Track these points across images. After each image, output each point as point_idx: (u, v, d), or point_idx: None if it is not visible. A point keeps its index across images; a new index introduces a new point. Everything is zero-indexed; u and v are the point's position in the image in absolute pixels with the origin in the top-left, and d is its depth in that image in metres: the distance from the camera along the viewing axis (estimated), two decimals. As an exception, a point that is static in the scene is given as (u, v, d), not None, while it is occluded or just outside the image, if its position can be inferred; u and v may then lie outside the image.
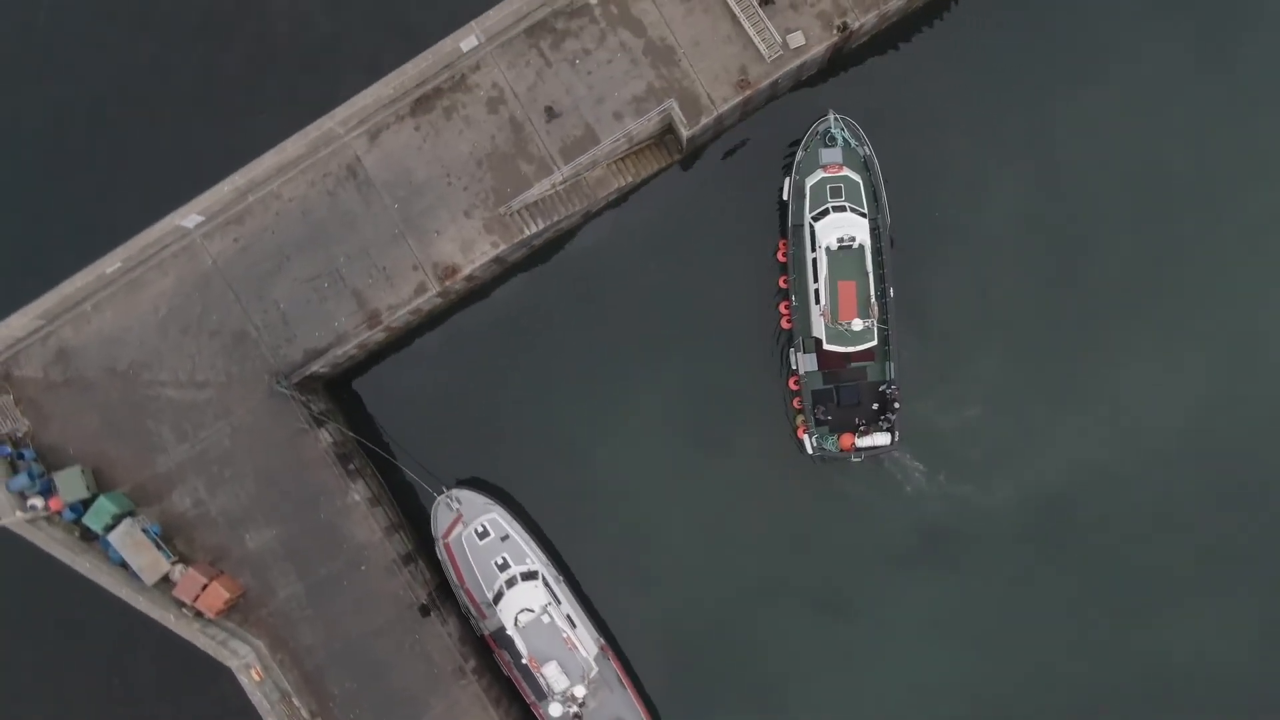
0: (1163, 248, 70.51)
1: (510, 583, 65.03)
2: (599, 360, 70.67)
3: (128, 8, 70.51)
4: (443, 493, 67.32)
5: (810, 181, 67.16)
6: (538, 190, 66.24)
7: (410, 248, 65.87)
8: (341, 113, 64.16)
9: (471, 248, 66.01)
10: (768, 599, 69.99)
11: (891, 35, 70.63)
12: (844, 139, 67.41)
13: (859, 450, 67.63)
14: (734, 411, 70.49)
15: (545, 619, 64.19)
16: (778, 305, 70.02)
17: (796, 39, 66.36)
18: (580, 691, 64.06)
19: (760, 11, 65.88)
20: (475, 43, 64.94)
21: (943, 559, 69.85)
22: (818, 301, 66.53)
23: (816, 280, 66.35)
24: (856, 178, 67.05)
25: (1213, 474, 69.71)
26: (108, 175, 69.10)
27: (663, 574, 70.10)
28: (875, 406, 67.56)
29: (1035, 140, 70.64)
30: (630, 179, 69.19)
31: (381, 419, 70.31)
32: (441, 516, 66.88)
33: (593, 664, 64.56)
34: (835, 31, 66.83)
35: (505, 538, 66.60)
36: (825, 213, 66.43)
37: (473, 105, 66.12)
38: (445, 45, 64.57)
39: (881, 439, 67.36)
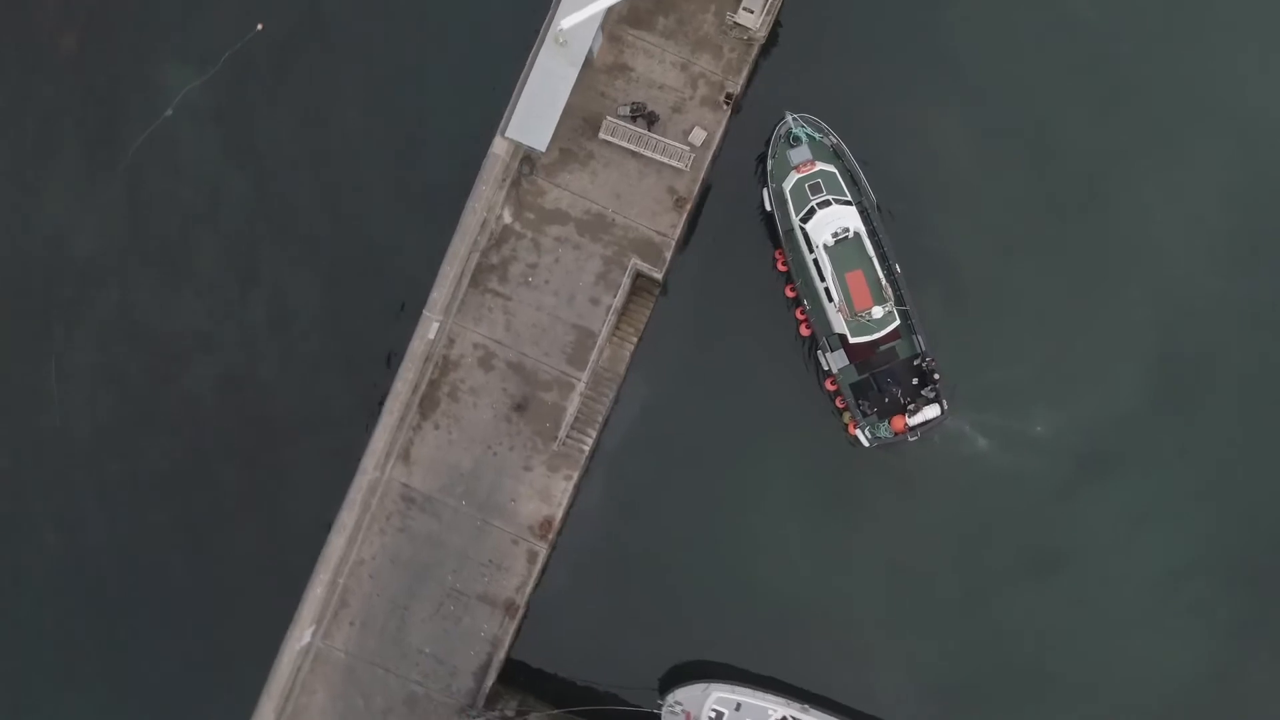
0: (1132, 114, 70.60)
1: None
2: (703, 492, 70.75)
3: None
4: (661, 705, 67.55)
5: (787, 186, 66.88)
6: (572, 407, 66.21)
7: (499, 529, 65.91)
8: (368, 461, 64.19)
9: (549, 494, 66.14)
10: (963, 608, 70.45)
11: (790, 31, 69.89)
12: (807, 135, 67.10)
13: (913, 429, 67.80)
14: (792, 446, 70.73)
15: None
16: (794, 313, 69.80)
17: (697, 135, 66.21)
18: None
19: (652, 135, 65.53)
20: (436, 325, 64.60)
21: (1036, 506, 70.17)
22: (831, 299, 66.47)
23: (823, 279, 66.22)
24: (831, 168, 66.81)
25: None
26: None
27: (875, 640, 70.68)
28: (915, 382, 67.69)
29: (965, 65, 70.75)
30: (635, 337, 69.06)
31: (564, 674, 70.41)
32: None
33: None
34: (725, 104, 66.53)
35: (739, 706, 66.98)
36: (811, 212, 66.14)
37: (470, 375, 66.03)
38: (415, 346, 64.51)
39: (931, 411, 67.56)
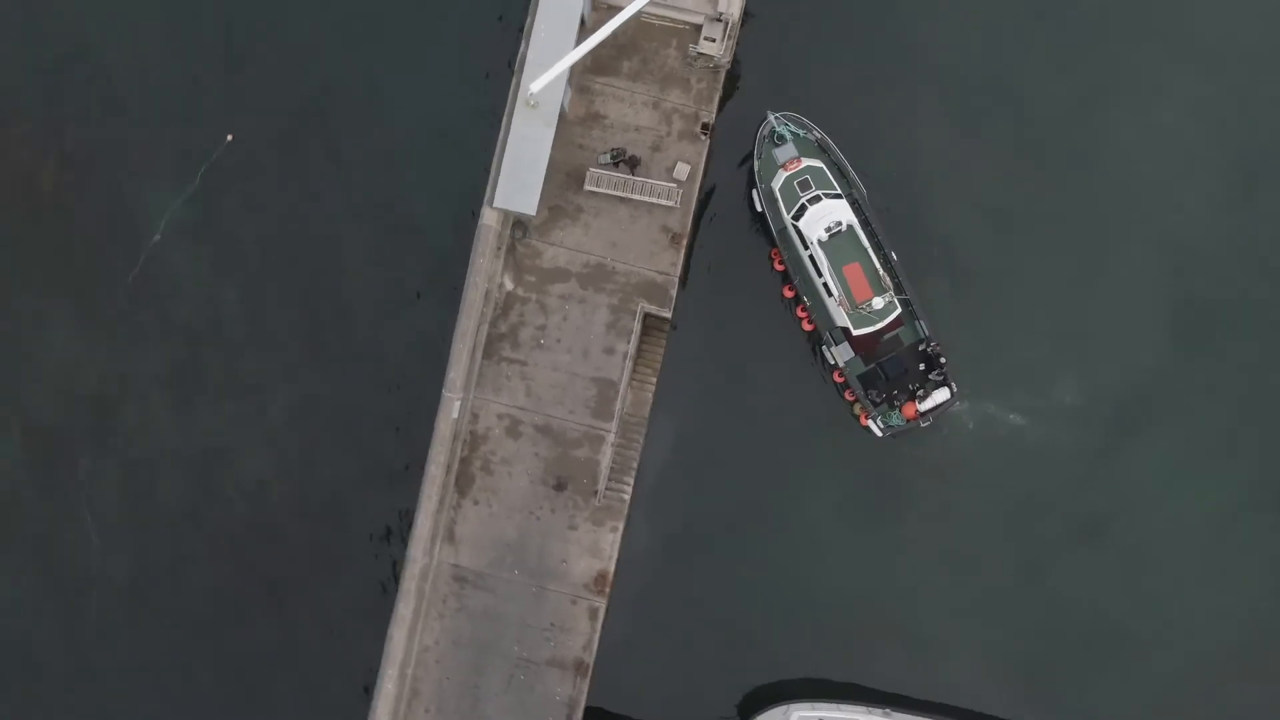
0: (1098, 59, 71.00)
1: None
2: (744, 513, 71.09)
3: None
4: None
5: (776, 185, 67.02)
6: (605, 459, 66.35)
7: (556, 592, 66.11)
8: (415, 550, 64.48)
9: (599, 548, 66.27)
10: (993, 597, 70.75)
11: (754, 34, 69.92)
12: (790, 132, 67.20)
13: (925, 414, 68.02)
14: (823, 452, 71.04)
15: None
16: (795, 311, 69.99)
17: (681, 170, 66.34)
18: None
19: (636, 178, 65.65)
20: (458, 403, 64.73)
21: (1075, 472, 70.47)
22: (830, 294, 66.58)
23: (821, 275, 66.33)
24: (817, 163, 66.90)
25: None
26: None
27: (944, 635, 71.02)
28: (922, 367, 67.87)
29: (928, 43, 71.32)
30: (653, 377, 69.15)
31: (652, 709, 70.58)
32: None
33: None
34: (703, 134, 66.65)
35: None
36: (803, 209, 66.23)
37: (499, 446, 66.17)
38: (441, 428, 64.72)
39: (941, 395, 67.81)
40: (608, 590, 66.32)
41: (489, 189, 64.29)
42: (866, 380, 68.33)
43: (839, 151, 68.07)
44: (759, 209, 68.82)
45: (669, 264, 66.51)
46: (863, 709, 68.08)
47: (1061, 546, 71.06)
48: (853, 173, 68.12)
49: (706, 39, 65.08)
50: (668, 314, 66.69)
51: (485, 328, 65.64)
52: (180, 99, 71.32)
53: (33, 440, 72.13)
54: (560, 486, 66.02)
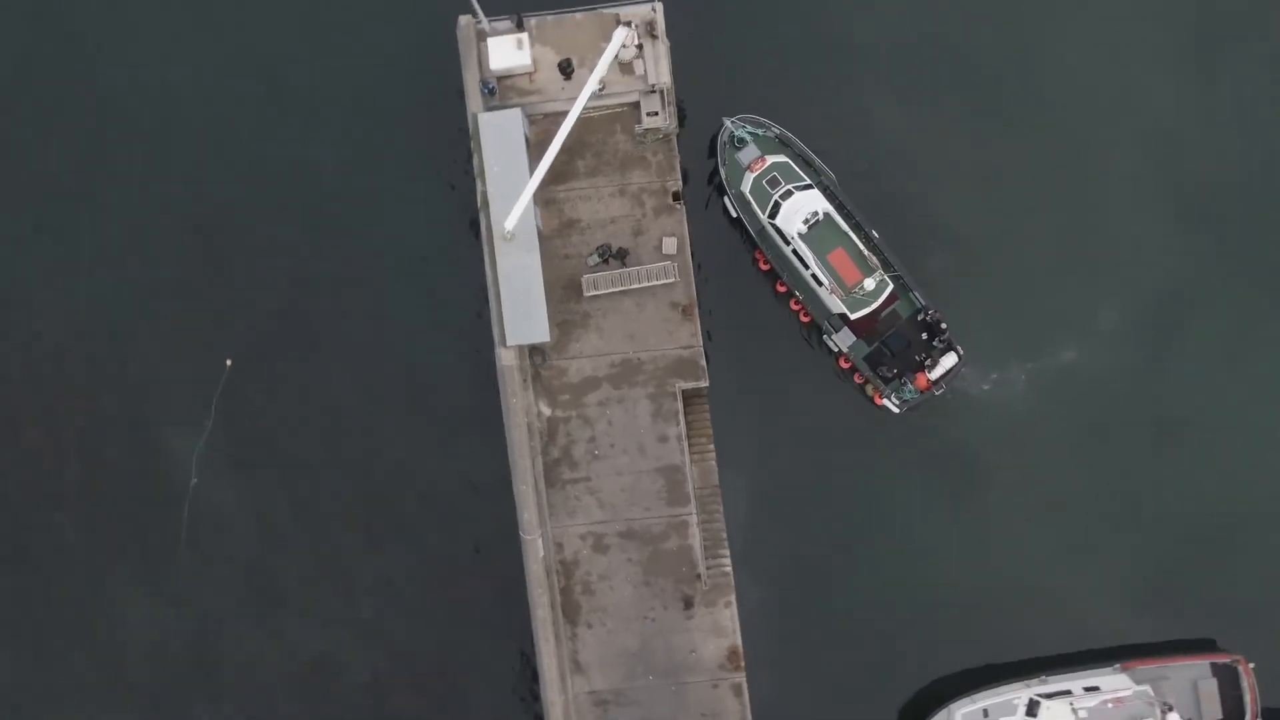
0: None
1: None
2: (839, 538, 71.47)
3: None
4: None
5: (746, 187, 67.41)
6: (696, 541, 66.64)
7: (695, 682, 66.85)
8: (550, 693, 65.05)
9: (721, 627, 66.70)
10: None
11: (686, 50, 69.48)
12: (749, 133, 67.59)
13: (937, 382, 68.31)
14: (883, 453, 71.40)
15: None
16: (789, 305, 70.23)
17: (670, 245, 66.60)
18: None
19: (629, 269, 65.95)
20: (539, 541, 65.01)
21: (1131, 392, 70.86)
22: (821, 284, 66.89)
23: (808, 267, 66.68)
24: (782, 158, 67.39)
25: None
26: None
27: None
28: (925, 336, 68.19)
29: (864, 23, 71.87)
30: (710, 444, 69.34)
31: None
32: None
33: None
34: (675, 203, 66.93)
35: (986, 712, 67.57)
36: (776, 206, 66.59)
37: (592, 564, 66.79)
38: (532, 570, 65.29)
39: (949, 360, 68.20)
40: (742, 663, 66.37)
41: (496, 329, 64.43)
42: (873, 360, 68.65)
43: (800, 143, 68.46)
44: (734, 215, 68.99)
45: (689, 336, 66.69)
46: (1019, 684, 68.33)
47: (1143, 461, 71.36)
48: (818, 160, 68.47)
49: (649, 114, 65.22)
50: (704, 384, 66.75)
51: (539, 459, 65.72)
52: (170, 346, 71.53)
53: (146, 707, 72.06)
54: (689, 604, 66.11)
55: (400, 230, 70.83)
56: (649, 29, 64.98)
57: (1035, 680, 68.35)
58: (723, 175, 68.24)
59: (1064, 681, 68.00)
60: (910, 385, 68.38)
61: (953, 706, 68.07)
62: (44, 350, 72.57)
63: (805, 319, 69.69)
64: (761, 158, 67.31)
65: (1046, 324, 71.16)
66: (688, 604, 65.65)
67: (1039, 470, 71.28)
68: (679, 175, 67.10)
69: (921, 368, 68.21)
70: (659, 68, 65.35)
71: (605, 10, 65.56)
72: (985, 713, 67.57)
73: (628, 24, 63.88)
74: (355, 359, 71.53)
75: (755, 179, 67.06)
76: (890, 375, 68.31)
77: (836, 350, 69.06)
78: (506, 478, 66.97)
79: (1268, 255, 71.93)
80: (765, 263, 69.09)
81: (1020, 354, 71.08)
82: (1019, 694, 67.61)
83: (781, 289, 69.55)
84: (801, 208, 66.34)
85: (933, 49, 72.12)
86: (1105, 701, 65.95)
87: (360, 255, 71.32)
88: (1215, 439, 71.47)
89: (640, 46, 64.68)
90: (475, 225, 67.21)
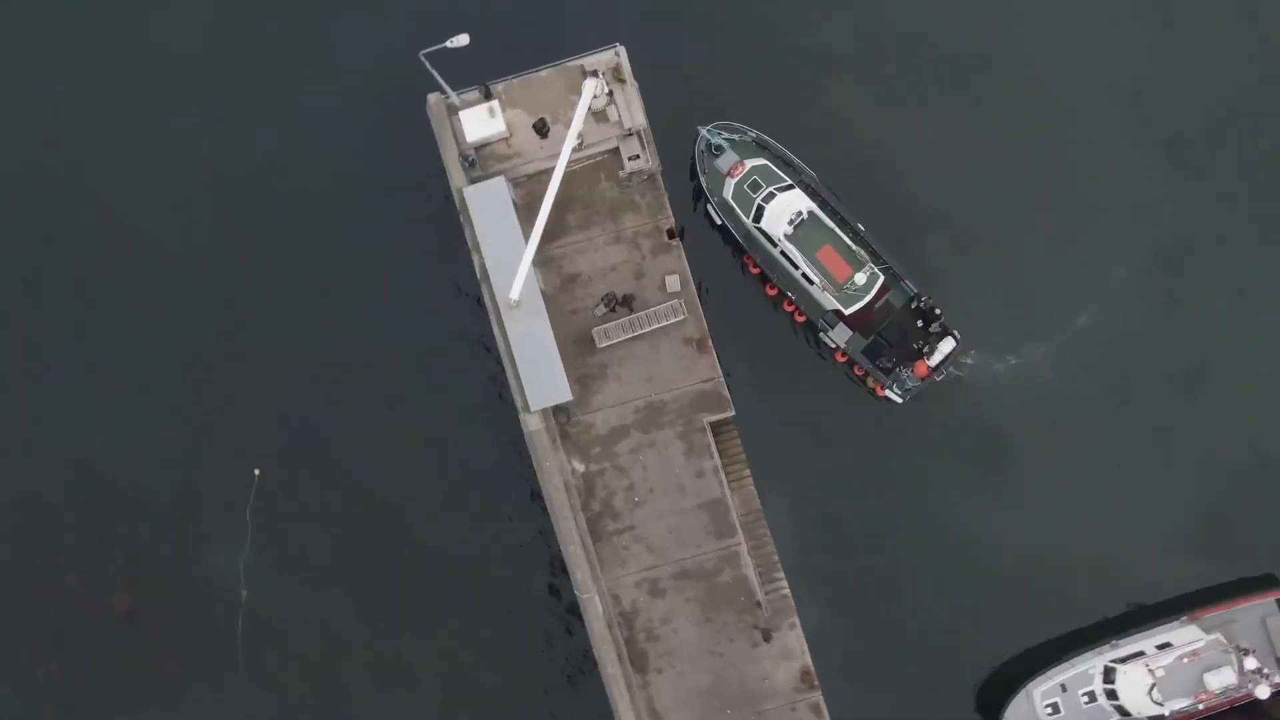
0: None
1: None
2: (891, 538, 71.69)
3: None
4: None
5: (728, 193, 67.54)
6: (750, 569, 66.70)
7: (773, 709, 66.87)
8: (633, 744, 64.41)
9: (790, 650, 66.88)
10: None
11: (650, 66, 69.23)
12: (725, 139, 67.65)
13: (937, 368, 68.44)
14: (862, 437, 71.75)
15: None
16: (783, 306, 70.44)
17: (673, 283, 66.68)
18: None
19: (637, 314, 65.97)
20: (595, 597, 65.07)
21: (1148, 345, 71.27)
22: (812, 282, 66.96)
23: (797, 266, 66.80)
24: (760, 161, 67.51)
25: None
26: None
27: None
28: (920, 323, 68.31)
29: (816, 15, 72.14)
30: (746, 470, 69.44)
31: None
32: None
33: None
34: (671, 240, 67.08)
35: (1064, 686, 67.63)
36: (760, 209, 66.67)
37: (651, 610, 66.89)
38: (594, 627, 65.24)
39: (947, 345, 68.33)
40: (816, 682, 66.47)
41: (517, 396, 64.39)
42: (871, 352, 68.75)
43: (777, 144, 68.51)
44: (719, 222, 69.02)
45: (707, 369, 66.75)
46: (1090, 653, 68.47)
47: (1173, 410, 71.66)
48: (797, 160, 68.53)
49: (630, 158, 65.25)
50: (730, 413, 66.79)
51: (581, 517, 65.75)
52: (195, 466, 71.69)
53: None
54: (767, 638, 66.40)
55: (406, 311, 71.23)
56: (615, 74, 64.94)
57: (1105, 646, 68.44)
58: (703, 184, 68.33)
59: (1135, 643, 68.05)
60: (910, 374, 68.19)
61: (1029, 687, 68.15)
62: (74, 487, 72.70)
63: (800, 319, 69.85)
64: (740, 162, 67.37)
65: (1056, 293, 71.51)
66: (766, 638, 65.60)
67: (1071, 438, 71.55)
68: (670, 212, 67.07)
69: (920, 355, 68.22)
70: (632, 110, 65.37)
71: (569, 63, 65.37)
72: (1063, 688, 67.69)
73: (594, 74, 63.82)
74: (380, 447, 71.70)
75: (736, 184, 67.19)
76: (888, 366, 68.28)
77: (834, 346, 69.26)
78: (553, 538, 66.82)
79: (1257, 185, 72.33)
80: (754, 266, 69.11)
81: (1035, 327, 71.44)
82: (1093, 663, 67.74)
83: (772, 291, 69.66)
84: (785, 209, 66.45)
85: (895, 36, 72.68)
86: (1180, 657, 65.99)
87: (370, 343, 71.62)
88: (1240, 375, 71.87)
89: (610, 93, 64.63)
90: (479, 296, 67.02)
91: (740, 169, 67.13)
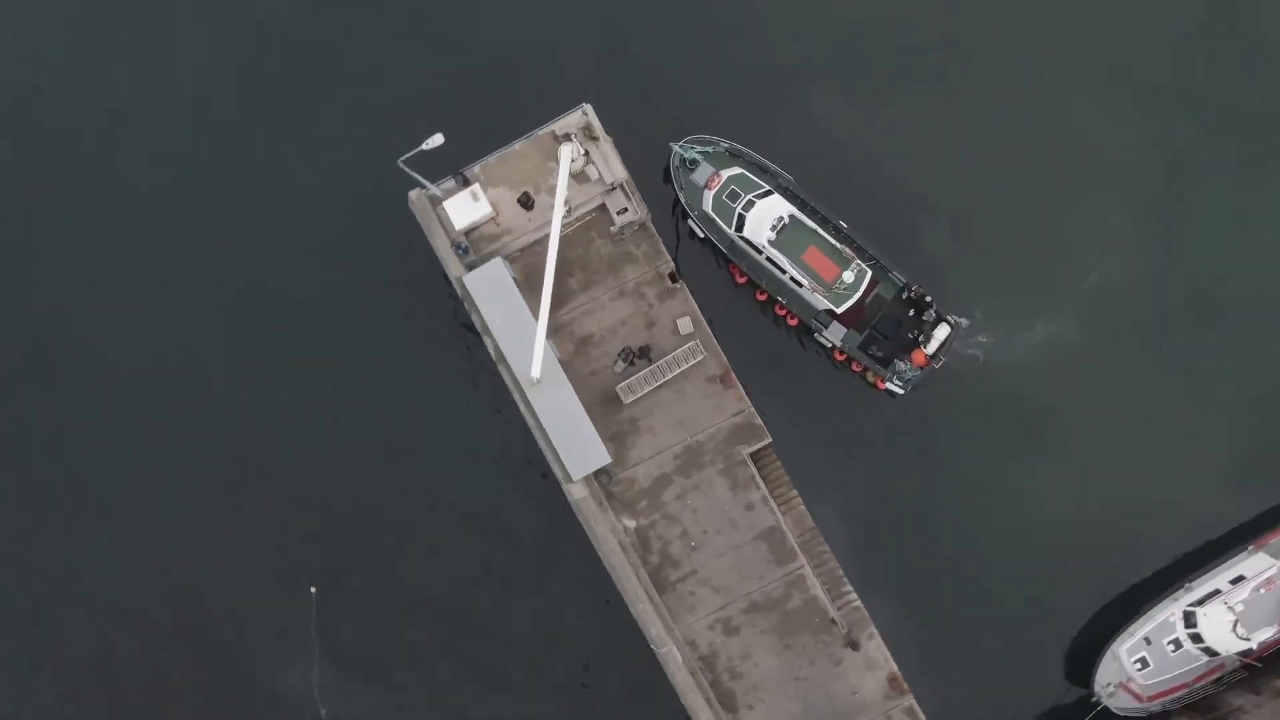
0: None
1: None
2: (943, 527, 71.72)
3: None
4: (1096, 695, 68.31)
5: (707, 206, 67.56)
6: (818, 590, 67.19)
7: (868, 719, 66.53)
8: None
9: (873, 660, 67.23)
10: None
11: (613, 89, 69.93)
12: (699, 153, 67.76)
13: (934, 355, 68.40)
14: (845, 432, 71.64)
15: None
16: (774, 310, 70.39)
17: (685, 325, 66.84)
18: None
19: (656, 363, 66.02)
20: (672, 649, 65.18)
21: (1153, 293, 71.32)
22: (801, 285, 66.99)
23: (785, 271, 66.86)
24: (736, 170, 67.61)
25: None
26: None
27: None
28: (912, 313, 68.24)
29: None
30: (793, 490, 69.53)
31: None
32: None
33: None
34: (674, 283, 67.23)
35: (1147, 639, 67.67)
36: (741, 220, 66.70)
37: (729, 648, 67.21)
38: (678, 679, 65.44)
39: (942, 332, 68.31)
40: (905, 686, 66.59)
41: (556, 468, 64.50)
42: (867, 345, 68.73)
43: (751, 152, 68.57)
44: (700, 235, 69.05)
45: (736, 401, 66.88)
46: (1166, 601, 68.59)
47: (1198, 344, 71.61)
48: (772, 165, 68.55)
49: (619, 212, 65.28)
50: (767, 440, 66.90)
51: (642, 572, 65.82)
52: (251, 593, 71.72)
53: None
54: (854, 645, 66.67)
55: (429, 403, 71.37)
56: (588, 132, 64.96)
57: (1179, 590, 68.53)
58: (682, 200, 68.36)
59: (1208, 581, 68.11)
60: (908, 364, 68.26)
61: (1113, 647, 68.27)
62: (138, 629, 72.53)
63: (793, 322, 69.77)
64: (716, 174, 67.44)
65: (1062, 255, 71.56)
66: (854, 647, 66.16)
67: (1103, 393, 71.62)
68: (668, 256, 67.12)
69: (916, 344, 68.18)
70: (610, 165, 65.45)
71: (540, 132, 65.44)
72: (1147, 640, 67.76)
73: (568, 137, 63.83)
74: (429, 540, 71.92)
75: (715, 196, 67.30)
76: (886, 358, 68.28)
77: (830, 345, 69.25)
78: (620, 599, 66.90)
79: (1231, 108, 72.20)
80: (741, 275, 69.09)
81: (1049, 293, 71.51)
82: (1171, 610, 67.80)
83: (762, 297, 69.59)
84: (766, 215, 66.56)
85: (850, 30, 72.67)
86: (1256, 588, 66.06)
87: (398, 440, 71.78)
88: (1256, 296, 71.82)
89: (586, 152, 64.60)
90: (497, 374, 67.12)
91: (717, 180, 67.16)
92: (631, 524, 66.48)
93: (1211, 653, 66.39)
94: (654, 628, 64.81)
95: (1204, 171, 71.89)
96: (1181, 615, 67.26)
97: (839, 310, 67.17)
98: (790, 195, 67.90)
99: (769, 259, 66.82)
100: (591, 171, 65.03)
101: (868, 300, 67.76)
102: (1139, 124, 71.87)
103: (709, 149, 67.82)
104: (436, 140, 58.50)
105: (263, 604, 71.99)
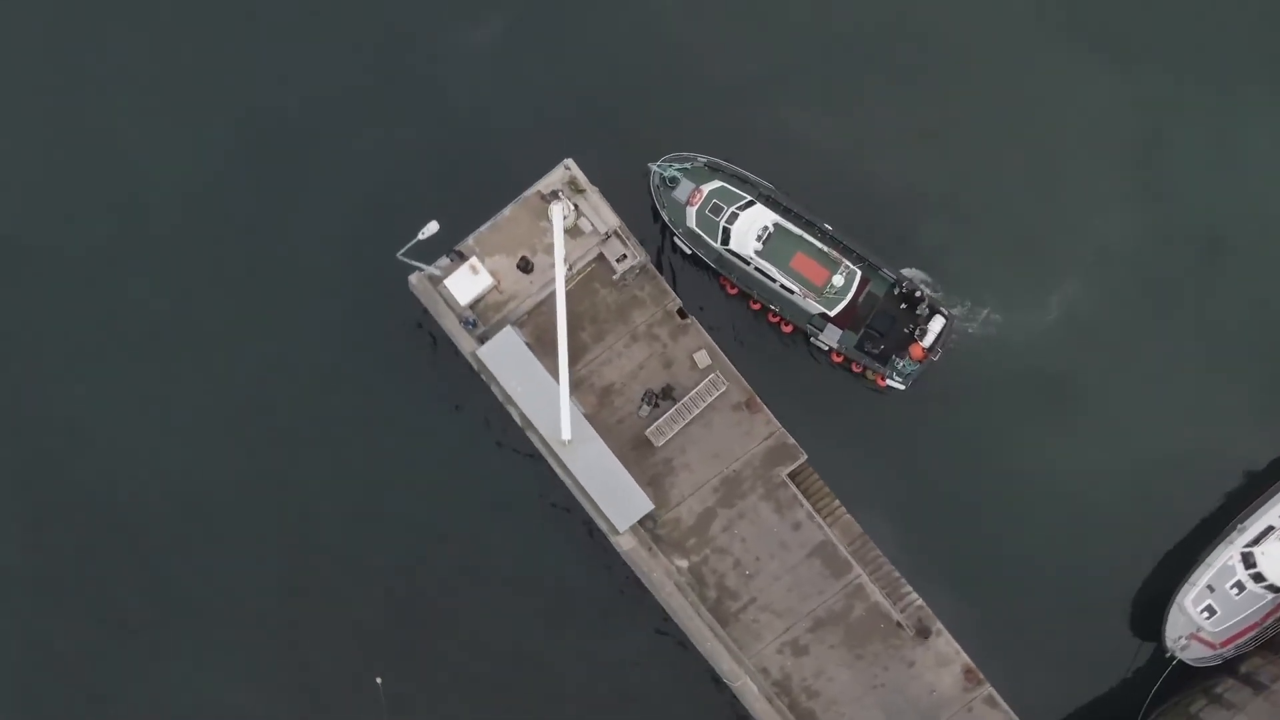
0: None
1: None
2: (992, 521, 71.95)
3: None
4: (1169, 653, 68.41)
5: (692, 222, 67.80)
6: (878, 596, 67.51)
7: (951, 715, 67.08)
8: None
9: (945, 656, 67.58)
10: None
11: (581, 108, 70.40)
12: (677, 170, 67.91)
13: (932, 348, 68.45)
14: (868, 433, 71.55)
15: None
16: (768, 319, 70.32)
17: (702, 359, 66.84)
18: None
19: (679, 402, 66.10)
20: (745, 678, 65.33)
21: (1156, 243, 71.65)
22: (792, 292, 67.14)
23: (774, 280, 67.02)
24: (716, 184, 67.80)
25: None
26: None
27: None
28: (905, 306, 68.24)
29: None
30: (836, 501, 69.56)
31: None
32: None
33: None
34: (683, 319, 67.24)
35: (1210, 610, 67.79)
36: (726, 233, 66.88)
37: (801, 669, 67.36)
38: (756, 707, 65.17)
39: (937, 324, 68.29)
40: (981, 675, 66.73)
41: (601, 522, 64.61)
42: (864, 344, 68.76)
43: (729, 164, 68.71)
44: (688, 252, 69.13)
45: (764, 424, 67.00)
46: (1221, 545, 68.80)
47: (1209, 286, 71.76)
48: (751, 175, 68.71)
49: (618, 260, 65.33)
50: (803, 458, 66.97)
51: (703, 610, 65.90)
52: (317, 698, 71.55)
53: None
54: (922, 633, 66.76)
55: (462, 477, 71.18)
56: (574, 186, 65.02)
57: (1232, 533, 68.72)
58: (665, 218, 68.54)
59: (1258, 519, 68.35)
60: (906, 359, 68.35)
61: (1178, 599, 68.46)
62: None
63: (787, 329, 69.83)
64: (697, 189, 67.57)
65: (1061, 227, 71.40)
66: (924, 635, 66.46)
67: (1120, 352, 71.74)
68: (673, 294, 67.18)
69: (913, 339, 68.25)
70: (602, 214, 65.54)
71: (527, 194, 65.54)
72: (1210, 588, 68.02)
73: (555, 195, 63.90)
74: (486, 611, 71.68)
75: (698, 211, 67.50)
76: (880, 354, 68.29)
77: (827, 348, 69.28)
78: (686, 639, 66.97)
79: (1201, 46, 72.24)
80: (732, 287, 69.21)
81: (1054, 267, 71.49)
82: (1227, 554, 68.01)
83: (756, 306, 69.68)
84: (751, 226, 66.70)
85: (812, 32, 72.61)
86: None
87: (438, 518, 71.64)
88: (1260, 225, 71.92)
89: (576, 206, 64.67)
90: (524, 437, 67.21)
91: (698, 196, 67.26)
92: (684, 563, 66.56)
93: (1276, 589, 66.57)
94: (724, 663, 64.90)
95: (1179, 109, 72.00)
96: (1240, 557, 67.44)
97: (832, 313, 67.35)
98: (772, 203, 68.00)
99: (757, 269, 66.80)
100: (584, 224, 65.13)
101: (860, 300, 67.86)
102: (1109, 79, 72.00)
103: (687, 165, 68.03)
104: (432, 229, 58.64)
105: (332, 705, 71.81)
